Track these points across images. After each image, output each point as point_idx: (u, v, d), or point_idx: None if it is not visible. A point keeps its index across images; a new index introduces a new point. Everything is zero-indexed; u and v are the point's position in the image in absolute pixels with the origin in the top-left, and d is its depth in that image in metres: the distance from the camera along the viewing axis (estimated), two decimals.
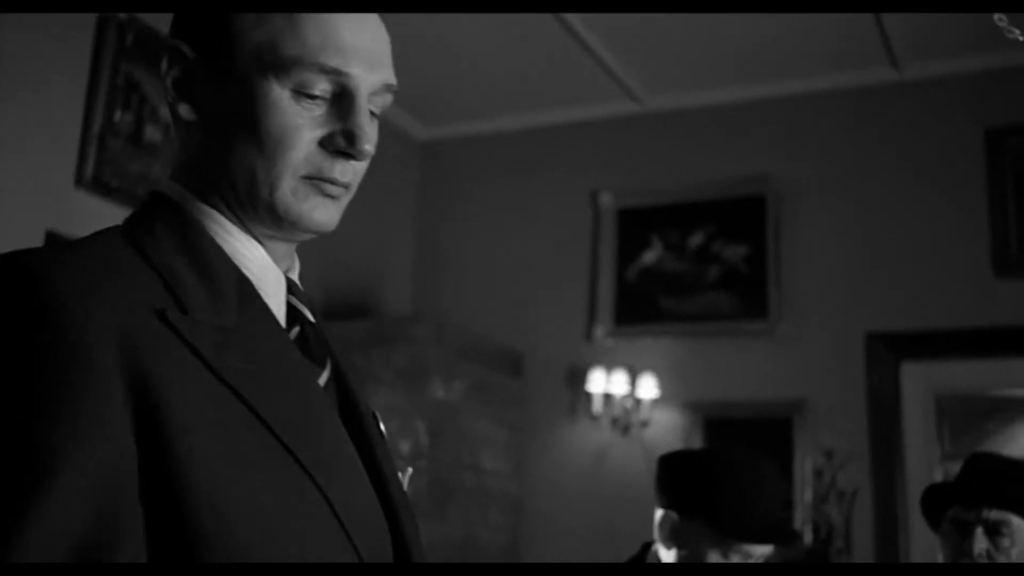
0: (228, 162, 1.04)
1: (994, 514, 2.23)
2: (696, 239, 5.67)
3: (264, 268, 1.07)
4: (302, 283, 1.16)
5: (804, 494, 5.19)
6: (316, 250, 1.24)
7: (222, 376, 0.94)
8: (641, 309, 5.69)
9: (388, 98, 1.09)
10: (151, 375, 0.90)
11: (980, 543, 2.22)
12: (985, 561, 2.22)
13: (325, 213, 1.06)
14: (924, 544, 5.16)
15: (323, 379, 1.08)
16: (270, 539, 0.91)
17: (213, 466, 0.89)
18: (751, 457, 2.09)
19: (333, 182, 1.05)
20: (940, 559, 2.34)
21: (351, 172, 1.07)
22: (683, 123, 5.81)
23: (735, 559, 2.01)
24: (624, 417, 5.53)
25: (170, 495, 0.88)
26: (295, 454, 0.95)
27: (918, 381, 5.32)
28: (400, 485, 1.10)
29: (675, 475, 2.09)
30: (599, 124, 5.98)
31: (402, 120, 6.11)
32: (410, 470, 1.20)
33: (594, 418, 5.52)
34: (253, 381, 0.96)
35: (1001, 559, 2.22)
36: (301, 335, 1.08)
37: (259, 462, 0.93)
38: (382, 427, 1.15)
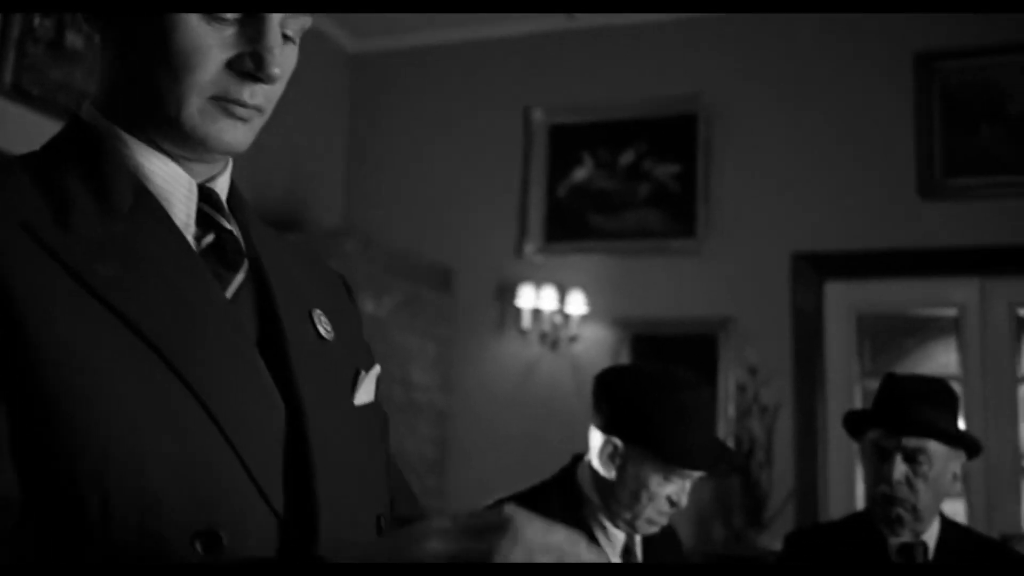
0: (137, 81, 1.04)
1: (912, 442, 2.30)
2: (627, 157, 5.68)
3: (172, 181, 1.06)
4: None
5: (728, 409, 5.30)
6: (244, 162, 1.23)
7: (89, 284, 0.94)
8: (571, 226, 5.71)
9: (305, 21, 1.07)
10: (14, 287, 0.91)
11: (899, 469, 2.29)
12: (904, 487, 2.29)
13: (234, 135, 1.05)
14: (842, 458, 5.32)
15: (234, 284, 1.07)
16: (134, 433, 0.91)
17: (74, 363, 0.90)
18: (693, 383, 2.11)
19: (241, 104, 1.04)
20: (867, 484, 2.40)
21: (261, 95, 1.06)
22: (616, 41, 5.78)
23: (675, 481, 2.06)
24: (552, 333, 5.58)
25: (30, 385, 0.89)
26: (165, 356, 0.95)
27: (841, 300, 5.44)
28: (325, 389, 1.09)
29: (617, 398, 2.10)
30: (532, 40, 5.93)
31: (333, 32, 6.00)
32: (376, 368, 1.19)
33: (523, 333, 5.56)
34: (124, 289, 0.96)
35: (919, 484, 2.29)
36: (216, 243, 1.08)
37: (123, 361, 0.93)
38: (321, 329, 1.14)
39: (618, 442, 2.06)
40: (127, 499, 0.90)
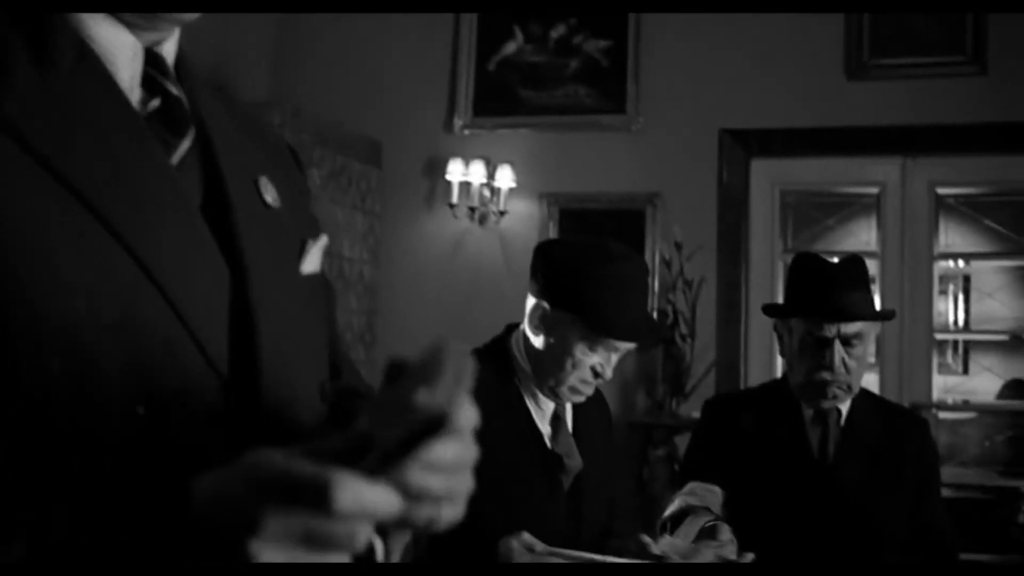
0: None
1: (851, 328, 2.37)
2: (558, 31, 5.63)
3: (117, 42, 1.03)
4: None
5: (653, 283, 5.40)
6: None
7: (27, 142, 0.92)
8: (501, 100, 5.68)
9: None
10: None
11: (839, 354, 2.37)
12: (842, 371, 2.36)
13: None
14: (763, 331, 5.45)
15: (180, 151, 1.06)
16: (69, 295, 0.90)
17: (7, 223, 0.88)
18: (627, 257, 2.13)
19: None
20: (788, 356, 2.45)
21: None
22: None
23: (600, 351, 2.09)
24: (481, 207, 5.59)
25: None
26: (104, 218, 0.93)
27: (766, 177, 5.51)
28: (271, 255, 1.09)
29: (551, 266, 2.12)
30: None
31: None
32: (324, 239, 1.19)
33: (451, 207, 5.55)
34: (64, 148, 0.94)
35: (853, 364, 2.37)
36: (162, 108, 1.06)
37: (60, 223, 0.91)
38: (268, 196, 1.14)
39: (547, 306, 2.09)
40: (65, 362, 0.89)
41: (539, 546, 1.93)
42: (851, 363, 2.38)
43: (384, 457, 0.74)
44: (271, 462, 0.74)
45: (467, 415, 0.78)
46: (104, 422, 0.90)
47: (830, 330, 2.36)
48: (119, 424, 0.91)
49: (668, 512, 2.32)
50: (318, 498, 0.70)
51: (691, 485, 2.39)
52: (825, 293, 2.38)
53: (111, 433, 0.90)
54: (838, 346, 2.36)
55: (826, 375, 2.37)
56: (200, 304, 0.98)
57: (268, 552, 0.72)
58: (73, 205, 0.92)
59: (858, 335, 2.37)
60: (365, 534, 0.73)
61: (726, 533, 2.11)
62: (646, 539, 2.08)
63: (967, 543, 5.55)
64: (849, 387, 2.40)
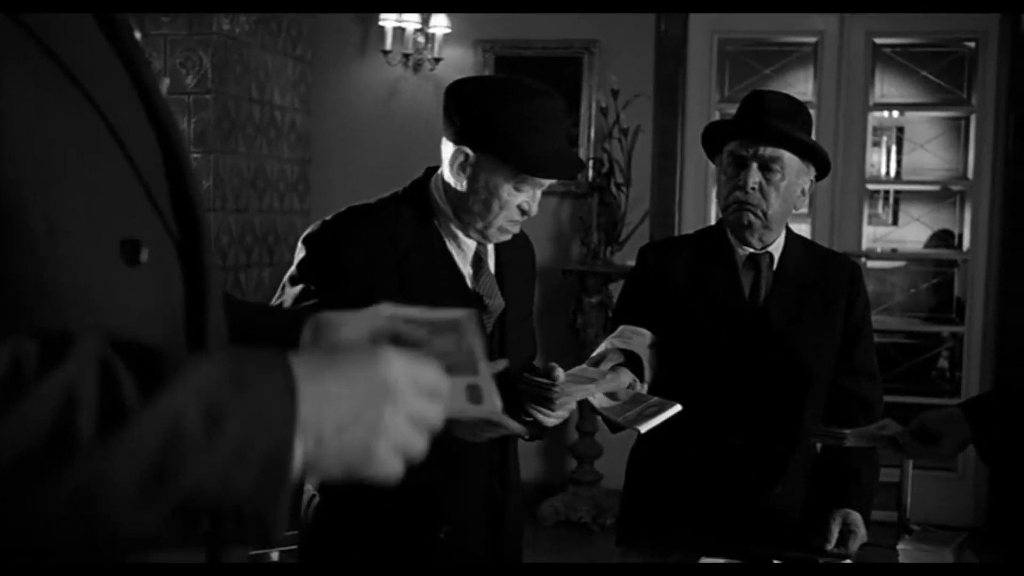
0: None
1: (768, 151, 2.37)
2: None
3: None
4: None
5: (589, 131, 5.37)
6: None
7: (30, 29, 0.90)
8: None
9: None
10: None
11: (754, 177, 2.37)
12: (757, 193, 2.37)
13: None
14: (697, 180, 5.48)
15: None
16: (41, 150, 0.89)
17: None
18: (544, 91, 2.09)
19: None
20: (720, 194, 2.47)
21: None
22: None
23: (525, 190, 2.07)
24: (415, 53, 5.48)
25: None
26: (77, 79, 0.93)
27: (704, 26, 5.45)
28: (164, 99, 1.08)
29: (468, 107, 2.07)
30: None
31: None
32: (166, 80, 1.19)
33: (385, 54, 5.44)
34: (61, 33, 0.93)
35: (771, 192, 2.38)
36: None
37: (41, 84, 0.90)
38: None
39: (468, 151, 2.05)
40: (50, 225, 0.88)
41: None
42: (769, 190, 2.38)
43: None
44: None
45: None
46: (89, 278, 0.91)
47: (747, 149, 2.37)
48: (102, 281, 0.92)
49: (593, 355, 2.35)
50: (435, 392, 0.98)
51: (620, 328, 2.41)
52: (751, 116, 2.39)
53: (98, 291, 0.92)
54: (754, 168, 2.37)
55: (740, 195, 2.38)
56: (151, 170, 0.99)
57: (398, 423, 0.93)
58: (57, 72, 0.92)
59: (777, 161, 2.37)
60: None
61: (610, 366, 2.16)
62: (552, 365, 2.12)
63: (893, 386, 5.73)
64: (765, 215, 2.40)
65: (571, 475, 5.55)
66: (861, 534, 2.32)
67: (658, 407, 2.15)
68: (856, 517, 2.33)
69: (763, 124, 2.37)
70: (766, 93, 2.50)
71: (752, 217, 2.39)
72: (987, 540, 5.08)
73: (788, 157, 2.39)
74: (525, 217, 2.11)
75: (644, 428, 2.08)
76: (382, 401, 0.90)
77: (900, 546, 2.21)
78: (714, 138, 2.51)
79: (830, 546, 2.27)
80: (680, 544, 2.25)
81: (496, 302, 2.16)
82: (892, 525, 2.94)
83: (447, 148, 2.10)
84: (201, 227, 1.03)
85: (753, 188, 2.37)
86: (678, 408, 2.15)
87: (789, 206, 2.45)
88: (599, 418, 2.29)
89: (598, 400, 2.20)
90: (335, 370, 0.90)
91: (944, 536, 2.26)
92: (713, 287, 2.46)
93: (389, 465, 0.92)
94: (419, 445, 0.95)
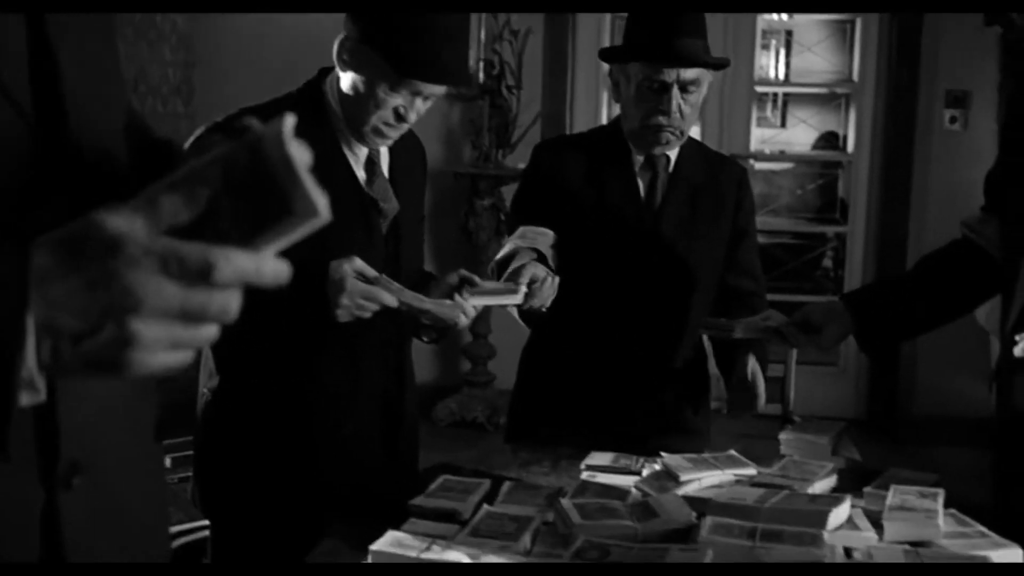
0: None
1: (690, 74, 2.36)
2: None
3: None
4: None
5: (479, 33, 5.31)
6: None
7: None
8: None
9: None
10: None
11: (676, 99, 2.36)
12: (677, 116, 2.37)
13: None
14: (589, 83, 5.47)
15: None
16: None
17: None
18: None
19: None
20: (623, 102, 2.45)
21: None
22: None
23: (403, 93, 2.03)
24: None
25: None
26: None
27: None
28: None
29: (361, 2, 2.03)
30: None
31: None
32: None
33: None
34: None
35: (687, 109, 2.38)
36: None
37: None
38: None
39: (351, 40, 2.01)
40: None
41: (370, 272, 1.93)
42: (686, 109, 2.40)
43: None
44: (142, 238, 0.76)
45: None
46: None
47: (670, 75, 2.36)
48: None
49: (498, 256, 2.35)
50: (203, 271, 0.76)
51: (522, 229, 2.41)
52: (667, 38, 2.36)
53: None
54: (676, 91, 2.37)
55: (662, 119, 2.39)
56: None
57: (149, 328, 0.76)
58: None
59: (695, 81, 2.38)
60: (236, 303, 0.78)
61: (527, 275, 2.15)
62: (464, 272, 2.11)
63: (779, 285, 5.87)
64: (681, 133, 2.43)
65: (465, 376, 5.60)
66: (762, 389, 2.39)
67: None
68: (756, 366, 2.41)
69: (683, 48, 2.35)
70: (673, 11, 2.44)
71: (670, 135, 2.41)
72: (865, 430, 5.29)
73: (704, 75, 2.40)
74: (403, 124, 2.07)
75: (474, 301, 2.07)
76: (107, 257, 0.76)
77: (781, 435, 2.28)
78: (620, 55, 2.48)
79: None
80: (569, 441, 2.29)
81: (391, 206, 2.15)
82: (776, 418, 3.05)
83: (339, 37, 2.05)
84: (67, 108, 1.00)
85: (675, 112, 2.37)
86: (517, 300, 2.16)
87: (697, 115, 2.48)
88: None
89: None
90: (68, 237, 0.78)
91: (823, 426, 2.34)
92: (610, 188, 2.47)
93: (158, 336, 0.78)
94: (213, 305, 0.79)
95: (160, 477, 1.17)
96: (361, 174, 2.12)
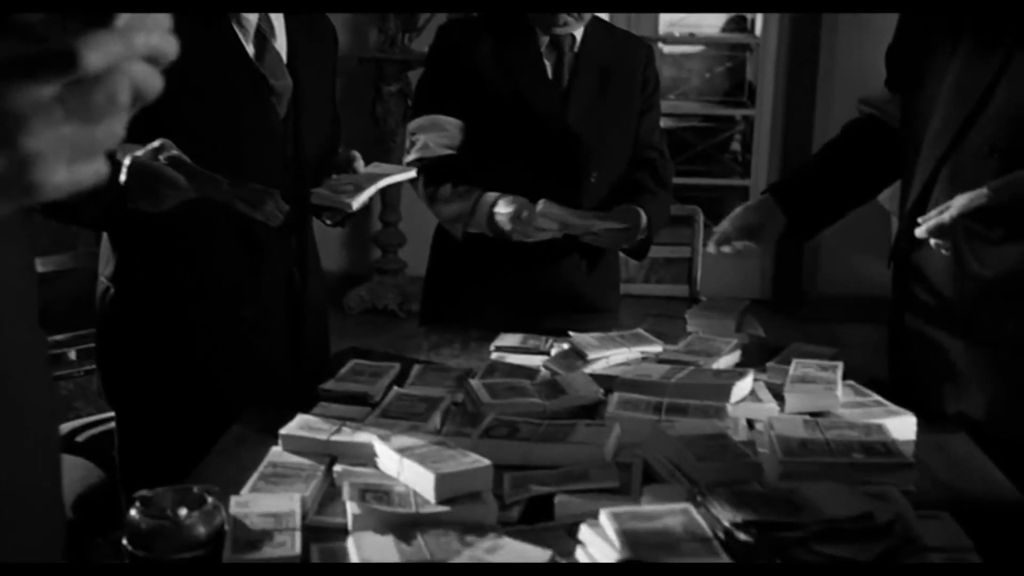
0: None
1: None
2: None
3: None
4: None
5: None
6: None
7: None
8: None
9: None
10: None
11: None
12: None
13: None
14: None
15: None
16: None
17: None
18: None
19: None
20: None
21: None
22: None
23: None
24: None
25: None
26: None
27: None
28: None
29: None
30: None
31: None
32: None
33: None
34: None
35: None
36: None
37: None
38: None
39: None
40: None
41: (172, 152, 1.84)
42: None
43: None
44: None
45: None
46: None
47: None
48: None
49: (410, 158, 2.33)
50: (65, 64, 0.70)
51: (427, 119, 2.38)
52: None
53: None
54: None
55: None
56: None
57: (40, 141, 0.71)
58: None
59: None
60: (125, 89, 0.73)
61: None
62: (354, 153, 2.09)
63: (689, 169, 5.92)
64: (580, 17, 2.41)
65: (376, 264, 5.59)
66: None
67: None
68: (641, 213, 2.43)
69: None
70: None
71: (568, 18, 2.39)
72: (770, 309, 5.41)
73: None
74: None
75: (355, 203, 2.04)
76: None
77: (687, 313, 2.32)
78: None
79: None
80: (479, 323, 2.30)
81: (283, 82, 2.08)
82: (684, 299, 3.09)
83: None
84: None
85: None
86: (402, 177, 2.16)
87: None
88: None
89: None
90: None
91: (728, 304, 2.38)
92: (516, 69, 2.44)
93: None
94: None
95: (45, 368, 1.13)
96: (250, 48, 2.05)
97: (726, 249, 2.29)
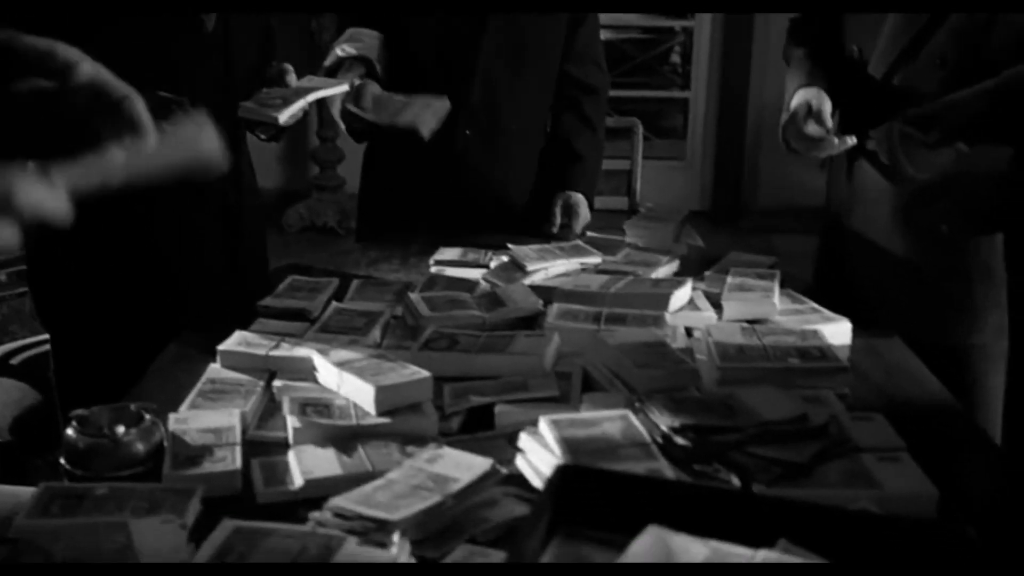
0: None
1: None
2: None
3: None
4: None
5: None
6: None
7: None
8: None
9: None
10: None
11: None
12: None
13: None
14: None
15: None
16: None
17: None
18: None
19: None
20: None
21: None
22: None
23: None
24: None
25: None
26: None
27: None
28: None
29: None
30: None
31: None
32: None
33: None
34: None
35: None
36: None
37: None
38: None
39: None
40: None
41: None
42: None
43: None
44: None
45: None
46: None
47: None
48: None
49: (326, 63, 2.28)
50: None
51: (348, 31, 2.33)
52: None
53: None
54: None
55: None
56: None
57: None
58: None
59: None
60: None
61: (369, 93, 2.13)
62: (286, 66, 2.06)
63: (629, 80, 5.89)
64: None
65: (314, 181, 5.53)
66: (584, 215, 2.42)
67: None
68: (579, 198, 2.42)
69: None
70: None
71: None
72: (710, 221, 5.44)
73: None
74: None
75: (282, 117, 2.02)
76: None
77: (626, 224, 2.31)
78: None
79: (555, 229, 2.36)
80: (417, 238, 2.28)
81: None
82: (623, 212, 3.09)
83: None
84: None
85: None
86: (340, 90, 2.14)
87: None
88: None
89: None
90: None
91: (666, 214, 2.38)
92: None
93: None
94: None
95: None
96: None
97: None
